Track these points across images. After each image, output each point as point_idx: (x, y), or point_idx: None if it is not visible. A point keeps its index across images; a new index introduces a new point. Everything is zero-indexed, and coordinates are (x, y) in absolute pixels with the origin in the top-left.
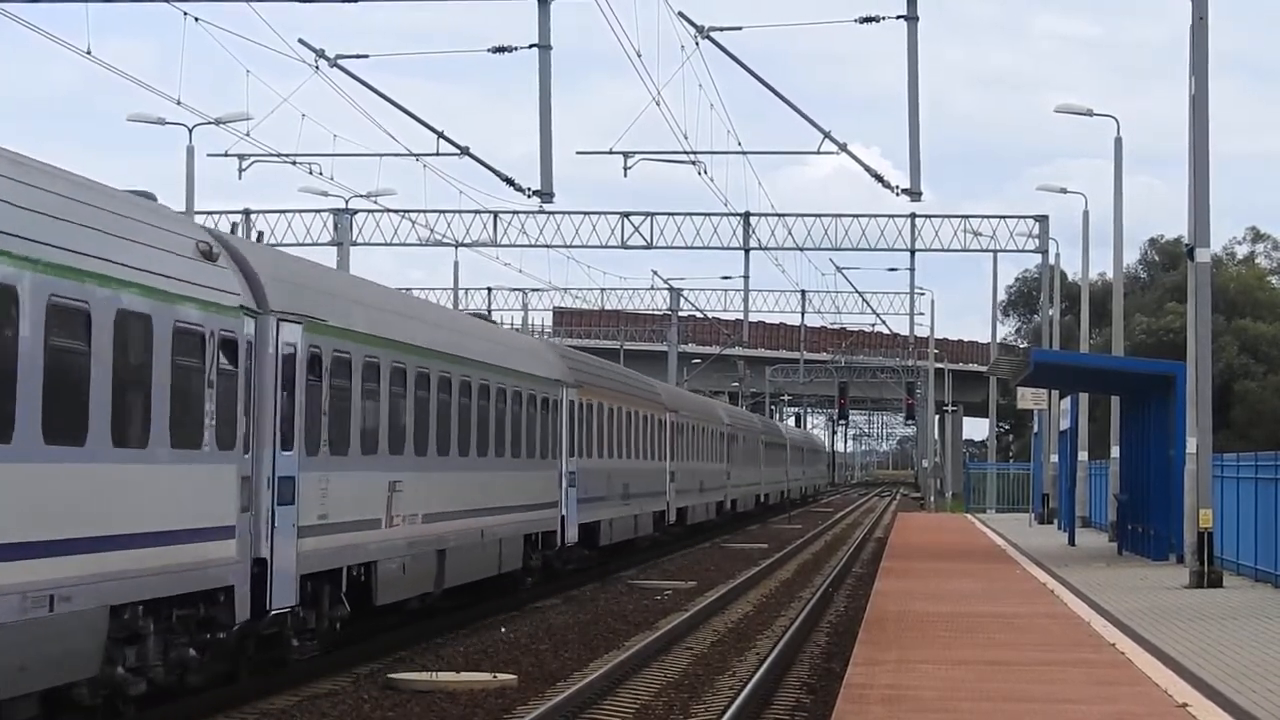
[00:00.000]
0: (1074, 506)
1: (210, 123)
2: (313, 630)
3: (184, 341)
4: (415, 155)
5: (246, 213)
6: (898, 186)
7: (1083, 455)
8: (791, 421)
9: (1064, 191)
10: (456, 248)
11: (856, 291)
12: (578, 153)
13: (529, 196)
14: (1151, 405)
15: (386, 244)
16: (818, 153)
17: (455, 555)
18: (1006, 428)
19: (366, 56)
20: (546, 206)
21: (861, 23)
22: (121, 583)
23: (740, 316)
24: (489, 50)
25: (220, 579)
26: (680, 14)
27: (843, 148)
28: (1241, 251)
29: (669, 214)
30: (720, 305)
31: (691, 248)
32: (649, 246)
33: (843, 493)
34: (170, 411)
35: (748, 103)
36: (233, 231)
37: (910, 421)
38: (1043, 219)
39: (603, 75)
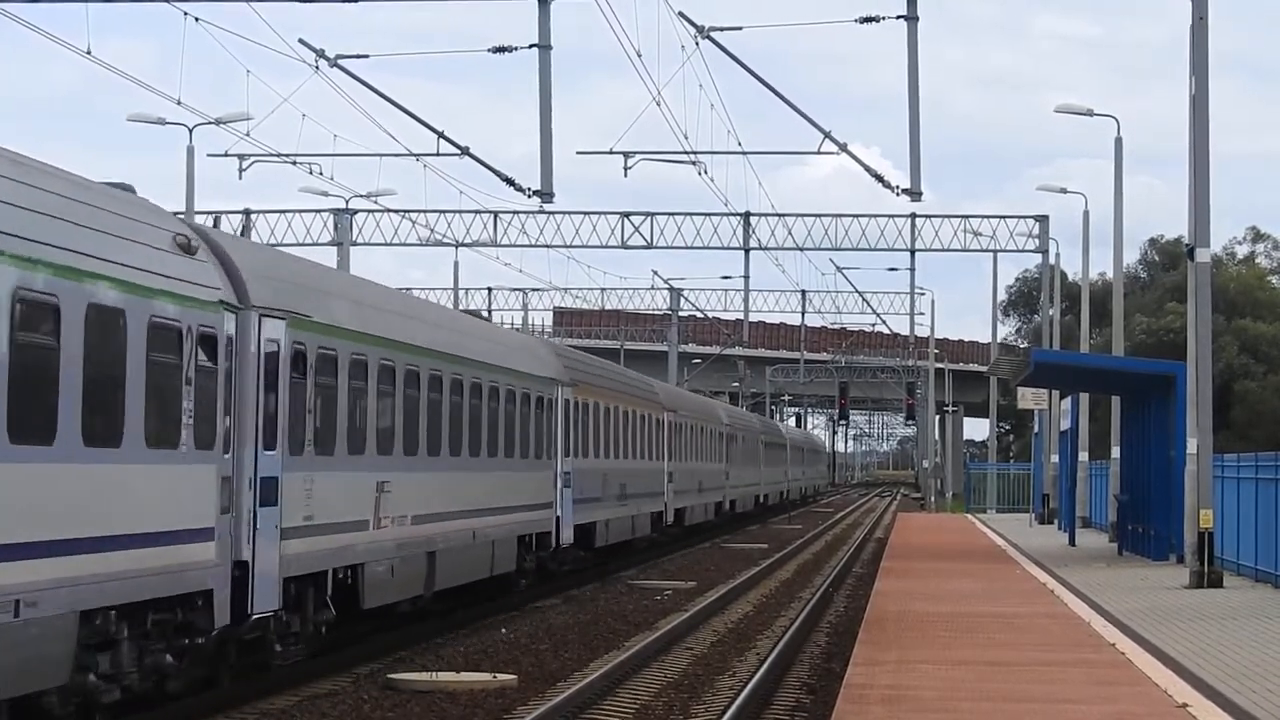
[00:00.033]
0: (1074, 507)
1: (210, 123)
2: (297, 635)
3: (160, 337)
4: (415, 155)
5: (247, 213)
6: (898, 186)
7: (1083, 455)
8: (792, 421)
9: (1064, 191)
10: (456, 248)
11: (856, 291)
12: (578, 153)
13: (529, 196)
14: (1152, 405)
15: (386, 244)
16: (818, 153)
17: (446, 557)
18: (1007, 428)
19: (366, 56)
20: (546, 206)
21: (861, 23)
22: (92, 587)
23: (740, 316)
24: (489, 50)
25: (198, 582)
26: (680, 14)
27: (843, 148)
28: (1241, 251)
29: (669, 214)
30: (720, 305)
31: (691, 248)
32: (649, 246)
33: (843, 493)
34: (145, 410)
35: (748, 103)
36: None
37: (910, 422)
38: (1043, 219)
39: (603, 75)
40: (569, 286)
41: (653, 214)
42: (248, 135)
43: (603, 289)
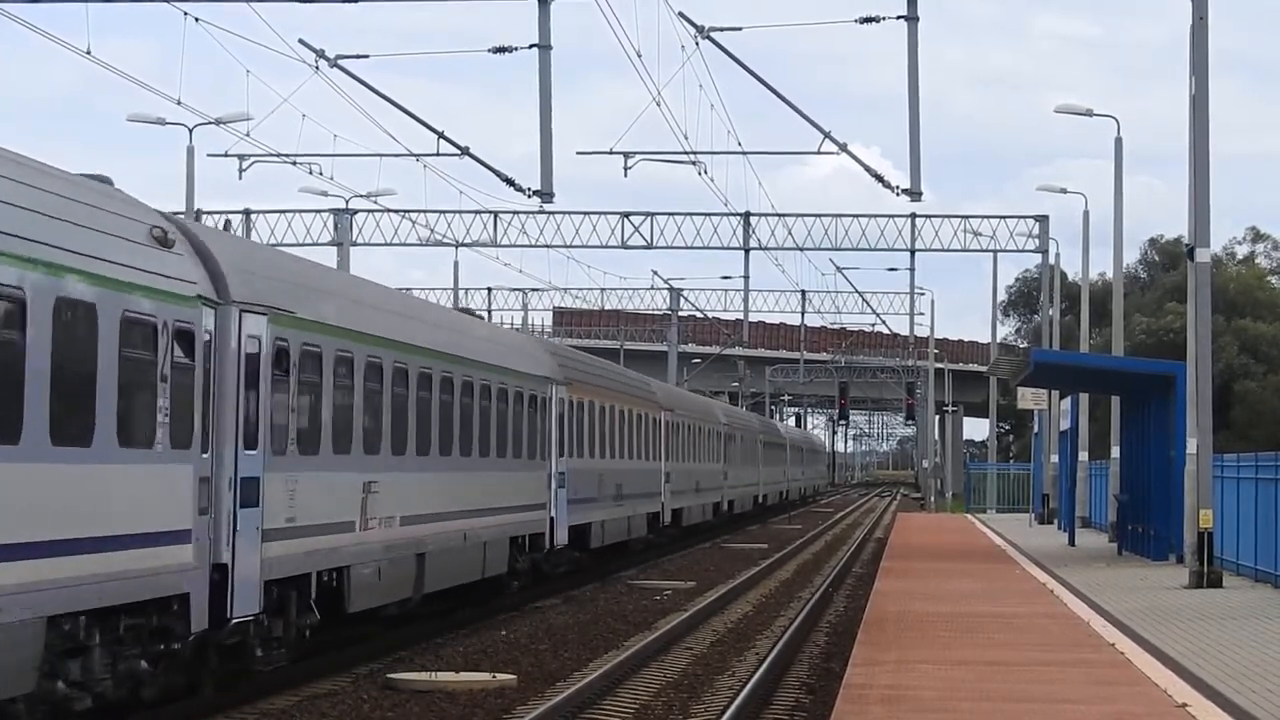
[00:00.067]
0: (1074, 507)
1: (210, 123)
2: (280, 639)
3: (134, 333)
4: (415, 155)
5: (247, 213)
6: (898, 186)
7: (1083, 455)
8: (792, 421)
9: (1064, 191)
10: (456, 248)
11: (856, 291)
12: (578, 153)
13: (529, 196)
14: (1151, 405)
15: (386, 244)
16: (818, 153)
17: (436, 559)
18: (1007, 428)
19: (366, 56)
20: (546, 206)
21: (861, 23)
22: (60, 591)
23: (740, 316)
24: (489, 50)
25: (174, 586)
26: (680, 14)
27: (843, 148)
28: (1241, 251)
29: (669, 214)
30: (720, 305)
31: (691, 248)
32: (649, 246)
33: (843, 493)
34: (118, 408)
35: (748, 103)
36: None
37: (910, 422)
38: (1043, 219)
39: (603, 75)
40: (569, 286)
41: (653, 214)
42: (248, 135)
43: (603, 289)
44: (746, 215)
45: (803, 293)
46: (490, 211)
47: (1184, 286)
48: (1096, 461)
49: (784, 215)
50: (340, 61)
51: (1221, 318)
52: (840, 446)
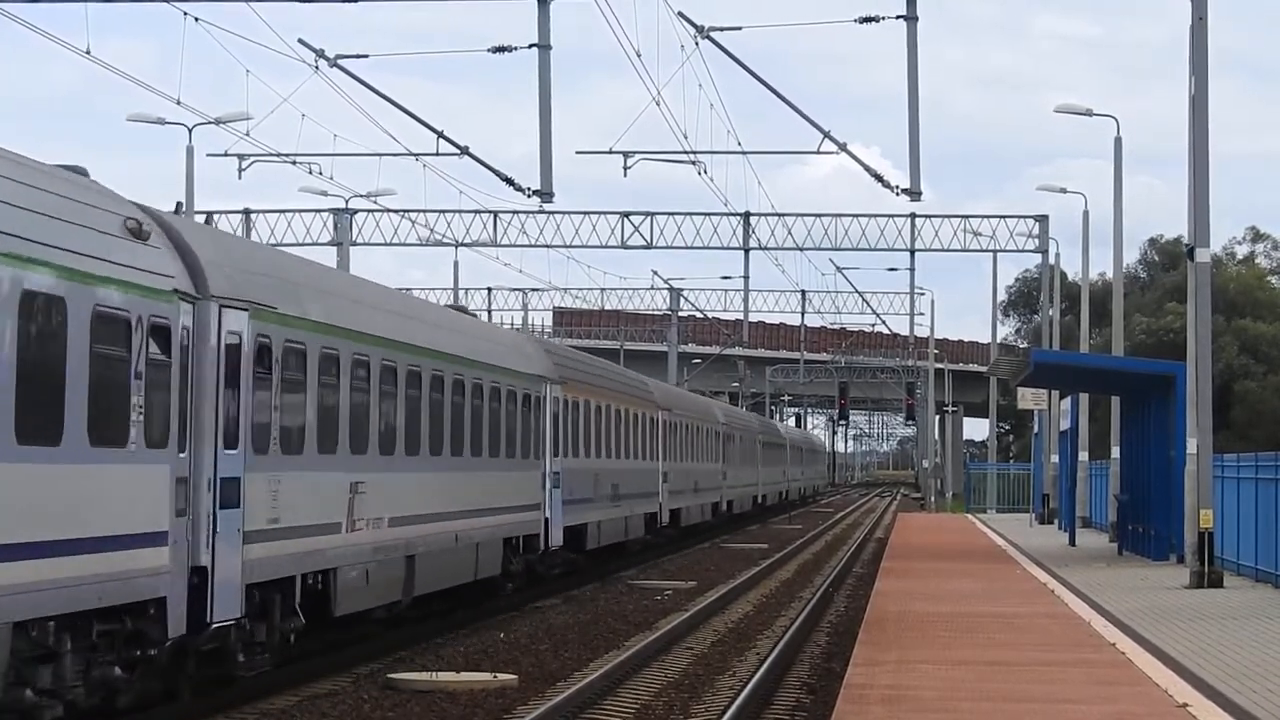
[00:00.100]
0: (1074, 507)
1: (210, 123)
2: (263, 644)
3: (106, 328)
4: (415, 155)
5: (247, 212)
6: (898, 186)
7: (1083, 455)
8: (792, 421)
9: (1064, 191)
10: (456, 248)
11: (856, 291)
12: (578, 153)
13: (529, 196)
14: (1152, 405)
15: (386, 244)
16: (818, 153)
17: (426, 561)
18: (1007, 428)
19: (366, 56)
20: (546, 206)
21: (861, 23)
22: (26, 596)
23: (740, 316)
24: (489, 50)
25: (150, 590)
26: (680, 14)
27: (843, 148)
28: (1241, 251)
29: (669, 214)
30: (720, 305)
31: (691, 248)
32: (649, 246)
33: (843, 493)
34: (89, 405)
35: (748, 103)
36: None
37: (910, 422)
38: (1043, 219)
39: (603, 75)
40: (569, 286)
41: (653, 214)
42: (247, 135)
43: (603, 289)
44: (746, 215)
45: (803, 293)
46: (490, 211)
47: (1184, 286)
48: (1097, 461)
49: (784, 215)
50: (340, 61)
51: (1221, 318)
52: (840, 446)
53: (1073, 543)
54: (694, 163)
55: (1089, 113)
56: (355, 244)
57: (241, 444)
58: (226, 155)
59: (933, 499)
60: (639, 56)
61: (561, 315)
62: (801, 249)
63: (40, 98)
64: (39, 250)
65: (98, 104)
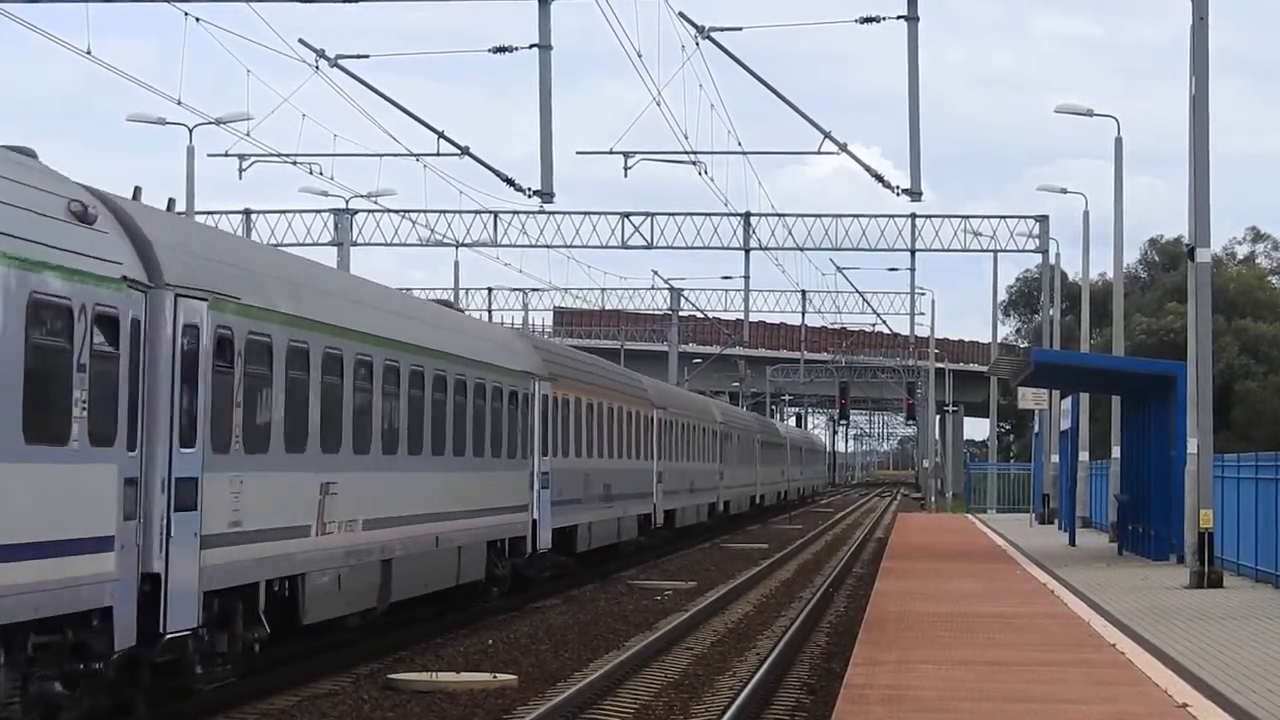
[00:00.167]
0: (1074, 507)
1: (210, 123)
2: (225, 655)
3: (43, 317)
4: (415, 155)
5: (247, 213)
6: (898, 186)
7: (1083, 455)
8: (792, 421)
9: (1064, 191)
10: (456, 248)
11: (857, 291)
12: (578, 153)
13: (529, 196)
14: (1152, 405)
15: (387, 244)
16: (818, 153)
17: (404, 565)
18: (1007, 428)
19: (367, 56)
20: (546, 206)
21: (862, 23)
22: None
23: (740, 316)
24: (489, 50)
25: (94, 599)
26: (680, 14)
27: (843, 148)
28: (1241, 251)
29: (669, 214)
30: (720, 305)
31: (692, 248)
32: (649, 246)
33: (843, 493)
34: (23, 400)
35: (748, 103)
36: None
37: (911, 421)
38: (1043, 219)
39: (603, 75)
40: (569, 286)
41: (653, 214)
42: (248, 135)
43: (603, 289)
44: (746, 215)
45: (803, 293)
46: (490, 211)
47: (1184, 286)
48: (1097, 461)
49: (784, 215)
50: (340, 61)
51: (1222, 318)
52: (840, 446)
53: (1073, 543)
54: (694, 163)
55: (1089, 113)
56: (356, 244)
57: (199, 442)
58: (227, 155)
59: (933, 499)
60: (639, 57)
61: (562, 315)
62: (802, 249)
63: (40, 98)
64: None
65: (98, 104)
